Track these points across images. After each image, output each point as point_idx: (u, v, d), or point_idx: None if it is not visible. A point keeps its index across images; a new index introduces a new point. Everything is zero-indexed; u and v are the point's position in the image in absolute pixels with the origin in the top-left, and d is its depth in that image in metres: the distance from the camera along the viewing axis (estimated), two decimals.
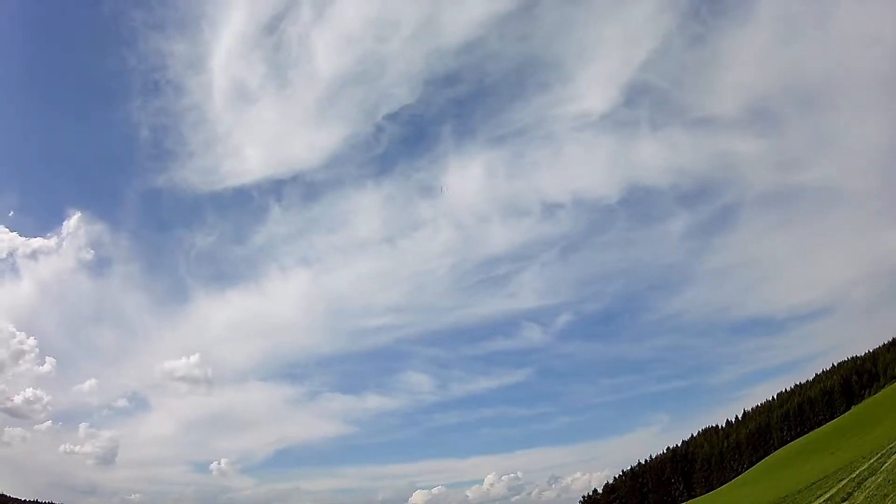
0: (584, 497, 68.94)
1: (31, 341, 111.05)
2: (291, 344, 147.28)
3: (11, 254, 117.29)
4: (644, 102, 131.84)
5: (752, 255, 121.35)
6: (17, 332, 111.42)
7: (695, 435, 65.83)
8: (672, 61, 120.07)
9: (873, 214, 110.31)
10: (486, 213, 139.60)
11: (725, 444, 60.07)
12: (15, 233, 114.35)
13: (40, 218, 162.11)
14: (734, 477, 54.98)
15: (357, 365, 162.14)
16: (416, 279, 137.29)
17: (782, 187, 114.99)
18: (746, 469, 54.71)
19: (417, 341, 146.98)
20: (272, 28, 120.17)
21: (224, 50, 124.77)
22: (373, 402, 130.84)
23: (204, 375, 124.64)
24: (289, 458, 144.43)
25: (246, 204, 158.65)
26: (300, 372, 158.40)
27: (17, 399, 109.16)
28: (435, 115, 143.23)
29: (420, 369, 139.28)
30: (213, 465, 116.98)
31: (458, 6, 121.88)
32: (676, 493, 59.85)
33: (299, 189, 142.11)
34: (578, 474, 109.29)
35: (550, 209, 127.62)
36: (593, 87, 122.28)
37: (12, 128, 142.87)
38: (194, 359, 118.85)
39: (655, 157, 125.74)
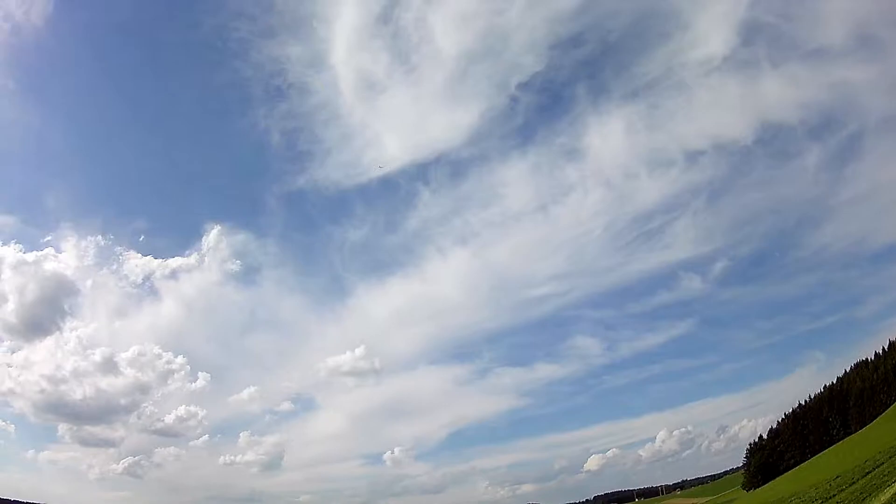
0: (750, 444, 73.85)
1: (180, 360, 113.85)
2: (457, 324, 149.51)
3: (148, 277, 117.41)
4: (760, 41, 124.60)
5: (879, 181, 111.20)
6: (164, 353, 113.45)
7: (847, 370, 67.36)
8: None
9: None
10: (632, 168, 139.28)
11: (875, 377, 61.50)
12: (149, 256, 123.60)
13: (174, 237, 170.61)
14: (883, 411, 57.05)
15: (525, 336, 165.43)
16: (573, 243, 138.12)
17: None
18: (894, 402, 56.46)
19: (582, 305, 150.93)
20: (386, 17, 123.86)
21: (343, 45, 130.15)
22: (543, 371, 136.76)
23: (371, 366, 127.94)
24: (463, 439, 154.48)
25: (394, 191, 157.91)
26: (469, 351, 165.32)
27: (169, 419, 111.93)
28: (567, 79, 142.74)
29: (588, 332, 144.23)
30: (387, 455, 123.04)
31: None
32: (833, 432, 62.86)
33: (445, 169, 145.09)
34: (745, 422, 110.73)
35: (692, 156, 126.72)
36: (711, 31, 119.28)
37: (134, 154, 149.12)
38: (359, 351, 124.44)
39: (780, 94, 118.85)
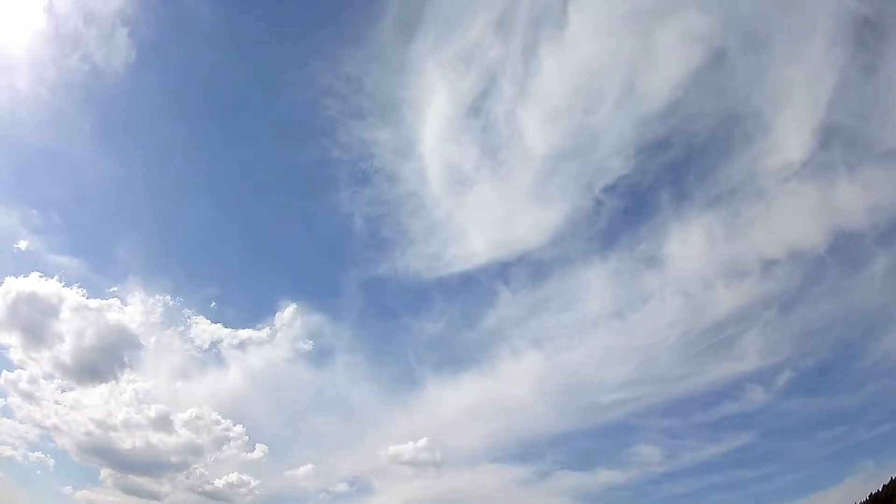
0: None
1: (238, 428, 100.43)
2: (523, 424, 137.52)
3: (215, 344, 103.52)
4: (836, 143, 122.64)
5: None
6: (222, 420, 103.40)
7: (893, 478, 62.22)
8: (852, 96, 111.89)
9: None
10: (710, 278, 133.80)
11: None
12: (218, 324, 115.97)
13: (247, 309, 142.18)
14: None
15: (589, 441, 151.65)
16: (647, 351, 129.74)
17: None
18: None
19: (648, 413, 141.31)
20: (477, 109, 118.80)
21: (432, 134, 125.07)
22: (603, 476, 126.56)
23: (432, 459, 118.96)
24: None
25: (473, 288, 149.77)
26: (532, 452, 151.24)
27: (219, 483, 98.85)
28: (651, 183, 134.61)
29: (650, 441, 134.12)
30: None
31: (655, 67, 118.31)
32: None
33: (527, 270, 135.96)
34: None
35: (768, 266, 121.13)
36: (790, 134, 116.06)
37: (211, 219, 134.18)
38: (422, 442, 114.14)
39: (853, 198, 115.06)
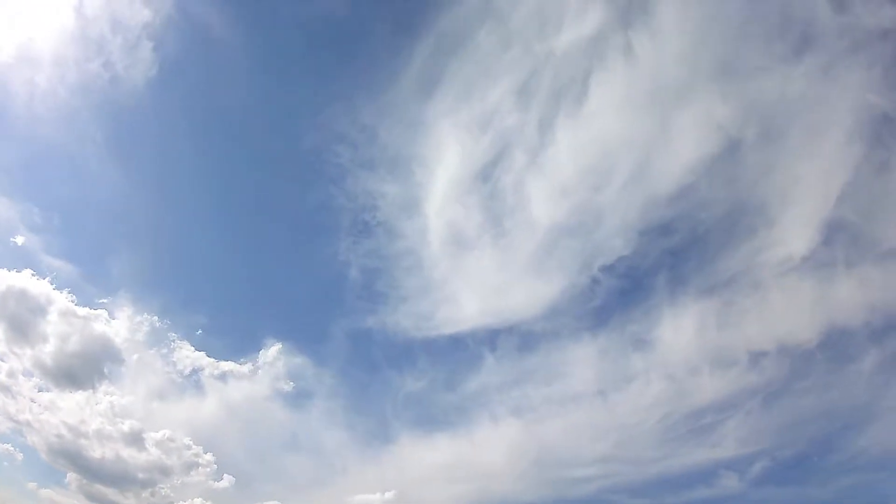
0: None
1: (209, 456, 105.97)
2: (495, 490, 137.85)
3: (196, 371, 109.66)
4: (839, 240, 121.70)
5: None
6: (194, 446, 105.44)
7: None
8: (862, 193, 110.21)
9: None
10: (696, 365, 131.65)
11: None
12: (202, 352, 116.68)
13: (232, 342, 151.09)
14: None
15: None
16: (626, 431, 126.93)
17: None
18: None
19: (621, 491, 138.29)
20: (486, 174, 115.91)
21: (439, 194, 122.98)
22: None
23: None
24: None
25: (460, 352, 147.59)
26: None
27: None
28: (650, 267, 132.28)
29: None
30: None
31: (670, 151, 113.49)
32: None
33: (515, 340, 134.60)
34: None
35: (756, 358, 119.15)
36: (794, 229, 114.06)
37: (209, 247, 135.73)
38: (389, 495, 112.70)
39: (850, 296, 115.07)
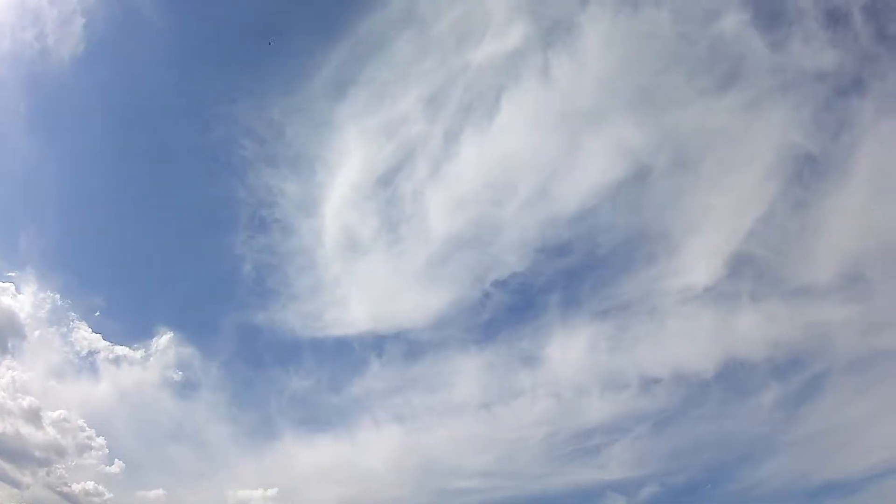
0: None
1: (101, 440, 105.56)
2: (375, 493, 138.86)
3: (92, 353, 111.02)
4: (746, 274, 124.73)
5: (834, 422, 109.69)
6: (88, 428, 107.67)
7: None
8: (775, 230, 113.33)
9: None
10: (585, 386, 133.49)
11: None
12: (99, 335, 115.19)
13: (128, 327, 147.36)
14: None
15: None
16: (509, 445, 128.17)
17: (869, 352, 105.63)
18: None
19: None
20: (387, 180, 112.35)
21: (338, 197, 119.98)
22: None
23: None
24: None
25: (346, 355, 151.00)
26: None
27: (76, 488, 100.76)
28: (543, 285, 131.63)
29: None
30: None
31: (576, 173, 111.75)
32: None
33: (402, 347, 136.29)
34: None
35: (648, 383, 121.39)
36: (699, 260, 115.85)
37: (115, 231, 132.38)
38: (272, 492, 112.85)
39: (753, 329, 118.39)
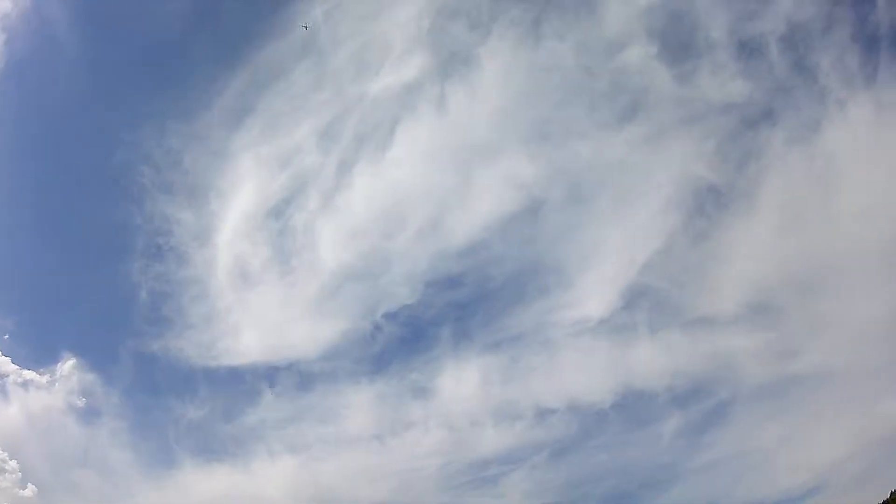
0: None
1: (14, 464, 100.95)
2: None
3: (2, 377, 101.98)
4: (643, 305, 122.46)
5: (743, 447, 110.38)
6: (1, 452, 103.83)
7: None
8: (674, 261, 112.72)
9: (864, 389, 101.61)
10: (479, 417, 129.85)
11: None
12: (8, 358, 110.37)
13: (35, 352, 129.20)
14: None
15: None
16: (404, 476, 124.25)
17: (777, 378, 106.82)
18: None
19: None
20: (279, 212, 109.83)
21: (230, 227, 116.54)
22: None
23: None
24: None
25: (239, 385, 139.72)
26: None
27: None
28: (434, 318, 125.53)
29: None
30: None
31: (467, 206, 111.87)
32: None
33: (293, 377, 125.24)
34: None
35: (543, 414, 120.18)
36: (593, 292, 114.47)
37: (22, 252, 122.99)
38: None
39: (652, 360, 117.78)
